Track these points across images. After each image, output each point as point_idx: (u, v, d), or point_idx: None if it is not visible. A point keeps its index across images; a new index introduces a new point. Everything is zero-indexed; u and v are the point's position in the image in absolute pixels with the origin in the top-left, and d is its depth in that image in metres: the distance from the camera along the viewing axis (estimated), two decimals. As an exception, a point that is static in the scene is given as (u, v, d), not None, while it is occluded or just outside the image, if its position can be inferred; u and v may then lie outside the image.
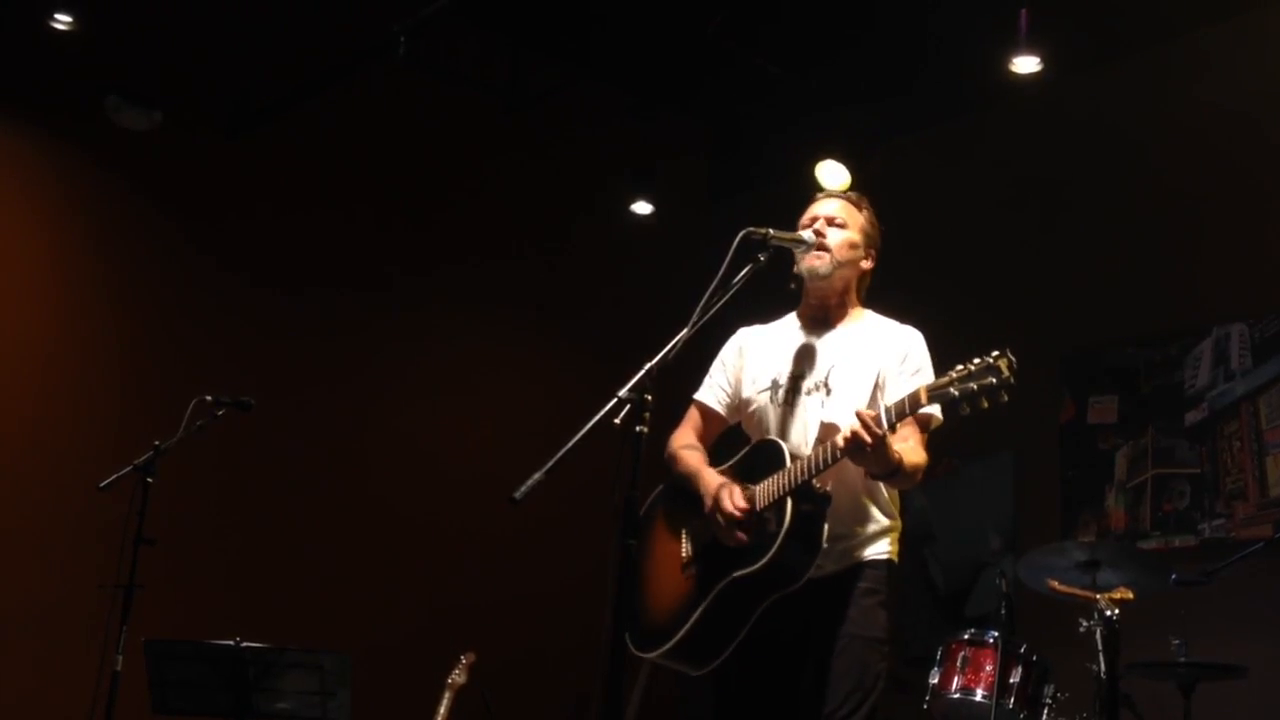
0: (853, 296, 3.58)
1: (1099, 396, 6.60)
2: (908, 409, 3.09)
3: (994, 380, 2.93)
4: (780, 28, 7.13)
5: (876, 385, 3.39)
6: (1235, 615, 5.55)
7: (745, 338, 3.68)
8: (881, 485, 3.41)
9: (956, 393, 2.97)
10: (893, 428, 3.12)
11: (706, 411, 3.66)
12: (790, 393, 3.47)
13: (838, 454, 3.15)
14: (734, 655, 3.29)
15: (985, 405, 2.96)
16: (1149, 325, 6.48)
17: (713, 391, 3.66)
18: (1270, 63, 6.25)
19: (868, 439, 3.05)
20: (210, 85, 6.82)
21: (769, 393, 3.51)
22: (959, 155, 7.42)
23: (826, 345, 3.50)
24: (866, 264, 3.58)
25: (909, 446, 3.30)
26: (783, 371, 3.51)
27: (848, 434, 3.09)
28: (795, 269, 3.52)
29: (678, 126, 8.30)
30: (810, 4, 6.91)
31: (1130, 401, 6.48)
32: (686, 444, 3.62)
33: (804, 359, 3.49)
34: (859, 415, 3.08)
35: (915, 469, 3.28)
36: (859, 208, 3.61)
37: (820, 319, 3.56)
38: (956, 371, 3.00)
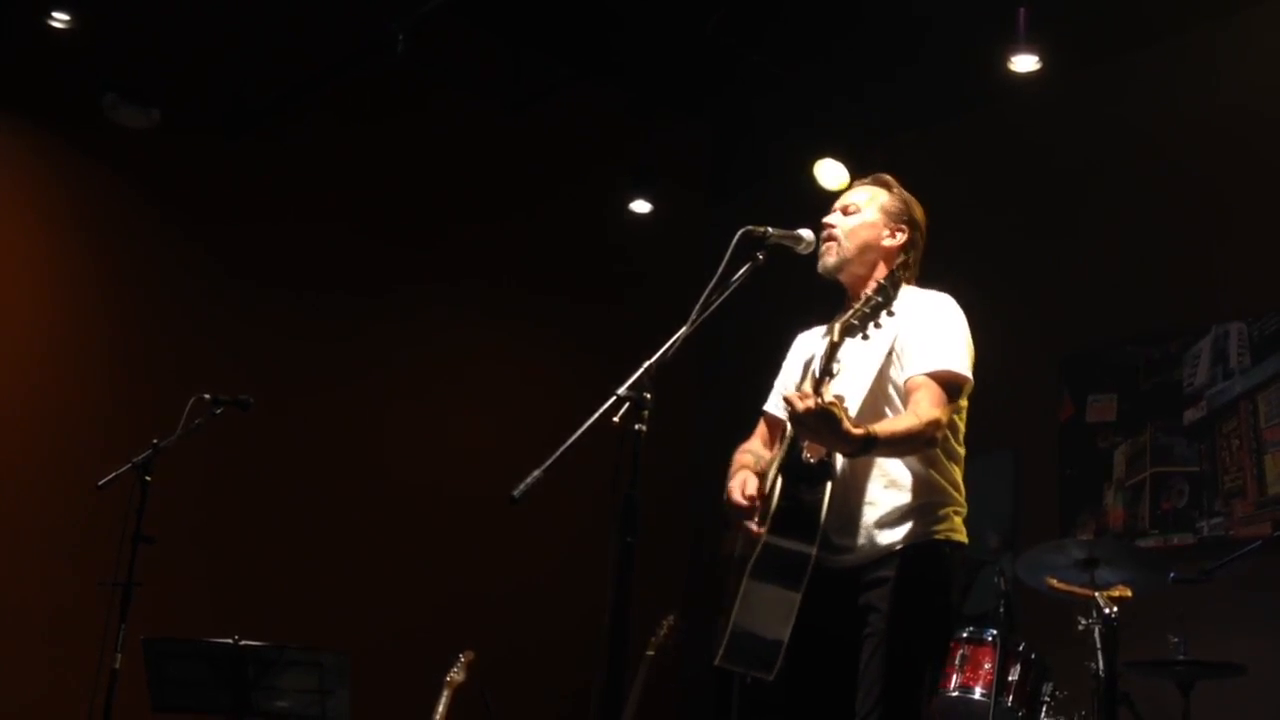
0: (884, 275, 3.37)
1: (1098, 394, 6.60)
2: (832, 351, 3.01)
3: (880, 299, 2.97)
4: (780, 26, 7.13)
5: (891, 353, 3.26)
6: (1234, 613, 5.56)
7: (797, 341, 3.65)
8: (928, 458, 3.21)
9: (857, 321, 2.97)
10: (828, 373, 2.99)
11: (770, 419, 3.60)
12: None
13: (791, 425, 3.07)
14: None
15: (879, 325, 2.99)
16: (1148, 323, 6.48)
17: (773, 399, 3.61)
18: (1270, 60, 6.25)
19: (797, 405, 2.91)
20: (208, 84, 6.82)
21: (805, 384, 3.48)
22: (958, 153, 7.41)
23: None
24: (891, 241, 3.43)
25: (916, 408, 3.14)
26: (816, 360, 3.47)
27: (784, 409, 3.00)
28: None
29: (677, 125, 8.29)
30: (810, 2, 6.90)
31: (1129, 399, 6.48)
32: (743, 449, 3.53)
33: None
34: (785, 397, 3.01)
35: (908, 432, 3.09)
36: (887, 188, 3.50)
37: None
38: (858, 303, 3.01)
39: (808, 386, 2.99)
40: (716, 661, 3.23)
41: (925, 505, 3.24)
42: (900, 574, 3.16)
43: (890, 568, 3.18)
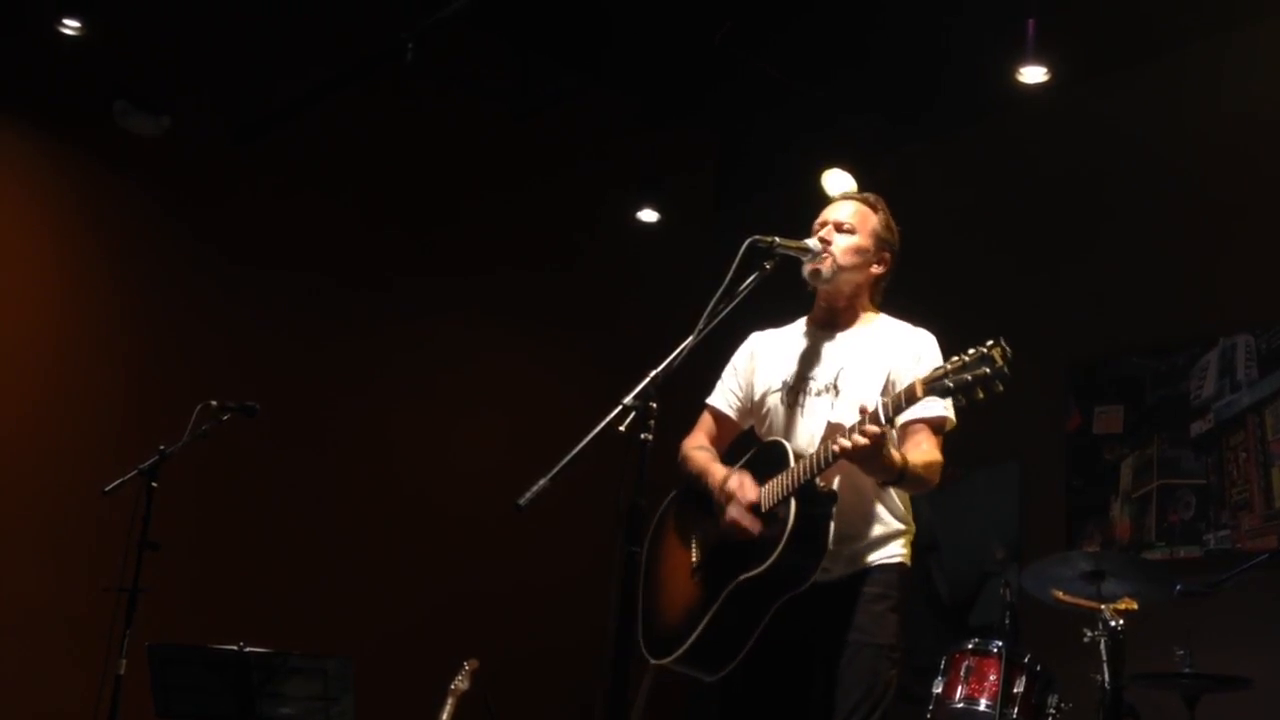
0: (863, 300, 3.56)
1: (1104, 406, 6.59)
2: (904, 402, 3.07)
3: (988, 370, 2.90)
4: (788, 37, 7.13)
5: (886, 387, 3.36)
6: (1240, 626, 5.54)
7: (756, 342, 3.67)
8: (899, 493, 3.39)
9: (952, 384, 2.95)
10: (890, 421, 3.10)
11: (718, 416, 3.66)
12: (800, 394, 3.47)
13: (835, 455, 3.13)
14: (743, 661, 3.27)
15: (981, 396, 2.93)
16: (1155, 335, 6.47)
17: (724, 396, 3.66)
18: (1277, 72, 6.25)
19: (864, 440, 3.02)
20: (218, 91, 6.84)
21: (779, 394, 3.51)
22: (966, 165, 7.41)
23: (836, 347, 3.50)
24: (876, 269, 3.55)
25: (921, 450, 3.28)
26: (792, 374, 3.51)
27: (846, 442, 3.07)
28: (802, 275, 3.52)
29: (685, 135, 8.30)
30: (818, 13, 6.91)
31: (1136, 412, 6.47)
32: (697, 445, 3.61)
33: (813, 361, 3.49)
34: (861, 413, 3.07)
35: (927, 470, 3.25)
36: (874, 210, 3.58)
37: (829, 322, 3.55)
38: (951, 363, 2.98)
39: (872, 425, 3.05)
40: (666, 661, 3.37)
41: (895, 533, 3.42)
42: (874, 590, 3.34)
43: (864, 584, 3.35)
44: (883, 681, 3.28)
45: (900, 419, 3.29)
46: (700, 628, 3.28)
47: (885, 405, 3.08)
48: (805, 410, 3.44)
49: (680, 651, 3.32)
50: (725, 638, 3.28)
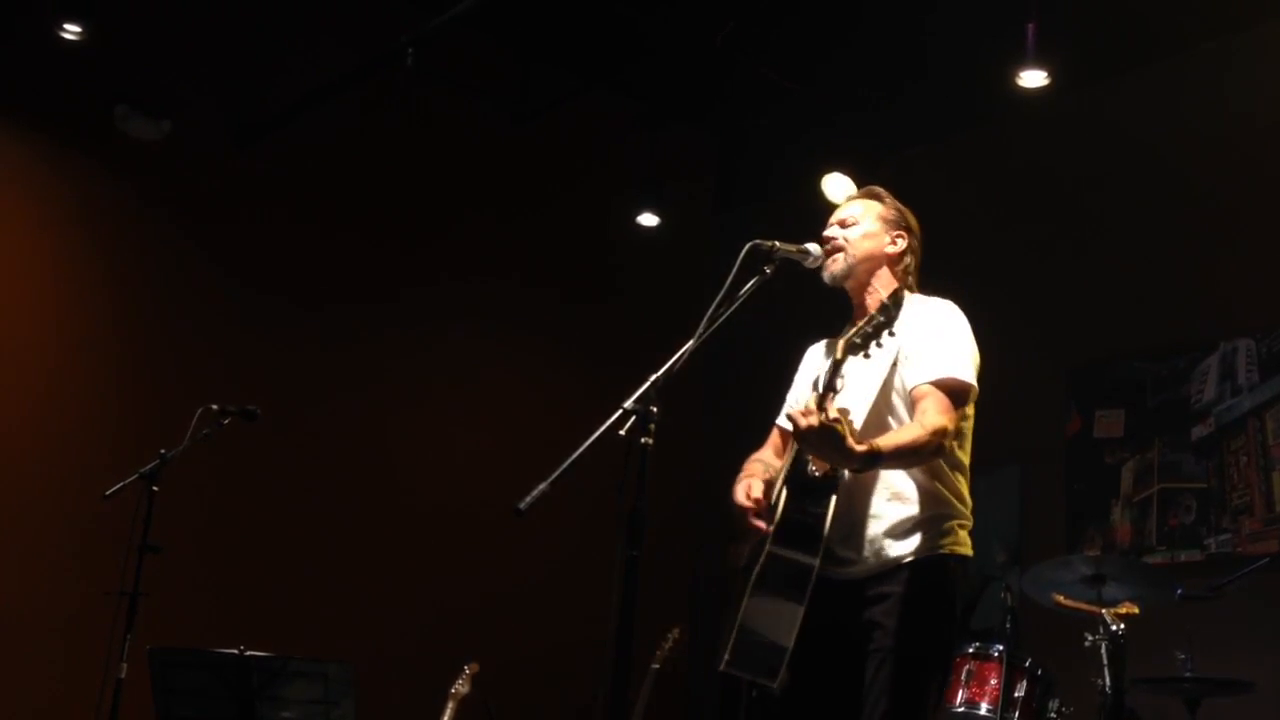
0: (886, 282, 3.41)
1: (1106, 410, 6.59)
2: (835, 369, 3.00)
3: (883, 319, 2.99)
4: (788, 39, 7.14)
5: (895, 363, 3.23)
6: (1241, 630, 5.54)
7: (807, 354, 3.65)
8: (931, 470, 3.19)
9: (859, 340, 3.01)
10: (830, 389, 2.98)
11: (781, 430, 3.60)
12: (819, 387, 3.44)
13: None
14: (793, 666, 3.12)
15: (880, 345, 3.01)
16: (1156, 339, 6.47)
17: (785, 413, 3.58)
18: (1278, 76, 6.25)
19: (800, 423, 2.91)
20: (219, 95, 6.85)
21: (806, 393, 3.47)
22: (967, 168, 7.42)
23: None
24: (893, 248, 3.46)
25: (918, 418, 3.13)
26: (820, 375, 3.47)
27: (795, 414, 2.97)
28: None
29: (685, 138, 8.31)
30: (819, 16, 6.92)
31: (1137, 415, 6.47)
32: (753, 458, 3.53)
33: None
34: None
35: (911, 445, 3.07)
36: (879, 199, 3.53)
37: (862, 315, 3.46)
38: (861, 321, 3.07)
39: (812, 402, 2.97)
40: (721, 667, 3.23)
41: (931, 518, 3.22)
42: (905, 590, 3.15)
43: (895, 582, 3.16)
44: (915, 692, 3.10)
45: (907, 384, 3.22)
46: (734, 632, 3.16)
47: (825, 375, 3.01)
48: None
49: (726, 657, 3.19)
50: (763, 640, 3.13)
